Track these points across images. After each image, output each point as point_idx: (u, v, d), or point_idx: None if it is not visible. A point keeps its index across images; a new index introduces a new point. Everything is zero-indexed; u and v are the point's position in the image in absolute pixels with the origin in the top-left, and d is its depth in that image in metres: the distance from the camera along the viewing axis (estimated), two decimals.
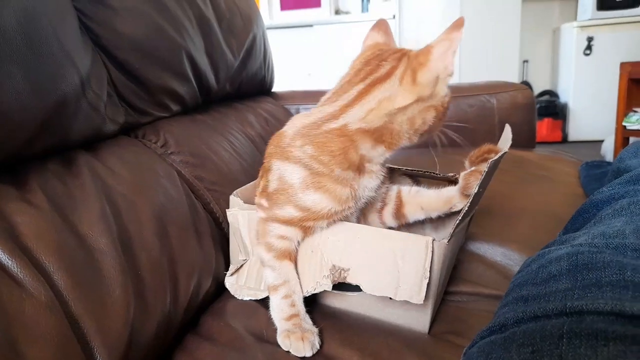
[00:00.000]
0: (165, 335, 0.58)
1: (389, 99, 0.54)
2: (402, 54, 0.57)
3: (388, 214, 0.67)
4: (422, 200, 0.66)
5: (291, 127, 0.60)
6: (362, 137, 0.55)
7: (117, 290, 0.52)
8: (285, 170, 0.58)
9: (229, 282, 0.70)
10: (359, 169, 0.57)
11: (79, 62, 0.64)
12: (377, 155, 0.57)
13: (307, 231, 0.61)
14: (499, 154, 0.58)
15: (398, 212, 0.67)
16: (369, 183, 0.60)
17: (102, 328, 0.48)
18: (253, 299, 0.67)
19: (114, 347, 0.48)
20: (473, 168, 0.66)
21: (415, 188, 0.68)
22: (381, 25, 0.65)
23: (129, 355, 0.50)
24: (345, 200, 0.58)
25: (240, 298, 0.68)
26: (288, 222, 0.60)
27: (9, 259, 0.45)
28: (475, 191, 0.56)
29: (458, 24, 0.52)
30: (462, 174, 0.66)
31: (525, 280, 0.40)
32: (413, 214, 0.66)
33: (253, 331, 0.60)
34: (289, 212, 0.59)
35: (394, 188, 0.68)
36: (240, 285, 0.69)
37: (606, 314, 0.30)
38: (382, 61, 0.57)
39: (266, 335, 0.59)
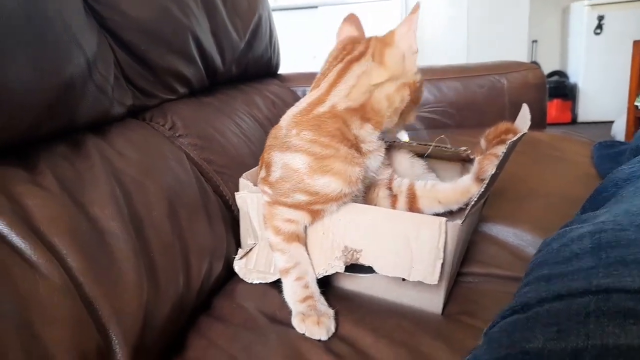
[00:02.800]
0: (179, 317, 0.58)
1: (366, 73, 0.59)
2: (372, 37, 0.64)
3: (401, 208, 0.67)
4: (439, 194, 0.65)
5: (284, 119, 0.63)
6: (351, 116, 0.59)
7: (130, 272, 0.52)
8: (288, 159, 0.59)
9: (238, 265, 0.70)
10: (358, 150, 0.59)
11: (85, 44, 0.63)
12: (368, 134, 0.60)
13: (315, 215, 0.60)
14: (518, 135, 0.56)
15: (412, 206, 0.66)
16: (370, 164, 0.62)
17: (116, 310, 0.48)
18: (262, 282, 0.66)
19: (129, 329, 0.48)
20: (488, 152, 0.65)
21: (430, 182, 0.67)
22: (353, 20, 0.70)
23: (144, 337, 0.50)
24: (355, 181, 0.58)
25: (249, 281, 0.68)
26: (295, 206, 0.60)
27: (22, 242, 0.44)
28: (492, 172, 0.55)
29: (415, 9, 0.59)
30: (477, 158, 0.65)
31: (546, 259, 0.39)
32: (429, 207, 0.65)
33: (265, 312, 0.60)
34: (297, 198, 0.59)
35: (405, 182, 0.68)
36: (250, 268, 0.69)
37: (634, 292, 0.29)
38: (355, 44, 0.63)
39: (279, 316, 0.59)
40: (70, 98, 0.60)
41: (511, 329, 0.32)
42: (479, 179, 0.63)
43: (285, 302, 0.60)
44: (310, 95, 0.62)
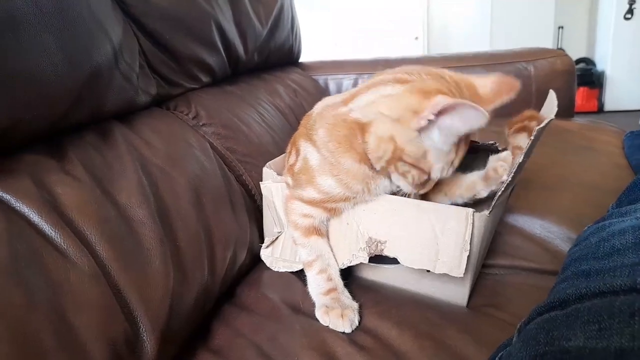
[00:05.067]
0: (204, 306, 0.58)
1: (389, 97, 0.52)
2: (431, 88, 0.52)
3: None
4: (443, 187, 0.63)
5: (317, 107, 0.61)
6: (357, 129, 0.53)
7: (157, 260, 0.52)
8: (308, 152, 0.59)
9: (265, 254, 0.70)
10: (372, 166, 0.54)
11: (111, 32, 0.63)
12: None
13: (331, 212, 0.60)
14: (546, 122, 0.54)
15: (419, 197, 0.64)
16: (384, 187, 0.57)
17: (144, 298, 0.49)
18: (288, 270, 0.67)
19: (156, 317, 0.49)
20: (511, 146, 0.62)
21: None
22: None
23: (170, 324, 0.51)
24: (365, 192, 0.57)
25: (275, 270, 0.68)
26: (310, 202, 0.60)
27: (52, 230, 0.45)
28: (520, 161, 0.54)
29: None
30: (491, 157, 0.62)
31: (585, 254, 0.37)
32: (434, 199, 0.64)
33: (289, 302, 0.60)
34: (310, 193, 0.59)
35: None
36: (276, 257, 0.69)
37: None
38: (411, 76, 0.53)
39: (303, 307, 0.59)
40: (98, 87, 0.60)
41: (549, 326, 0.31)
42: (487, 178, 0.60)
43: (310, 296, 0.60)
44: (347, 92, 0.58)
